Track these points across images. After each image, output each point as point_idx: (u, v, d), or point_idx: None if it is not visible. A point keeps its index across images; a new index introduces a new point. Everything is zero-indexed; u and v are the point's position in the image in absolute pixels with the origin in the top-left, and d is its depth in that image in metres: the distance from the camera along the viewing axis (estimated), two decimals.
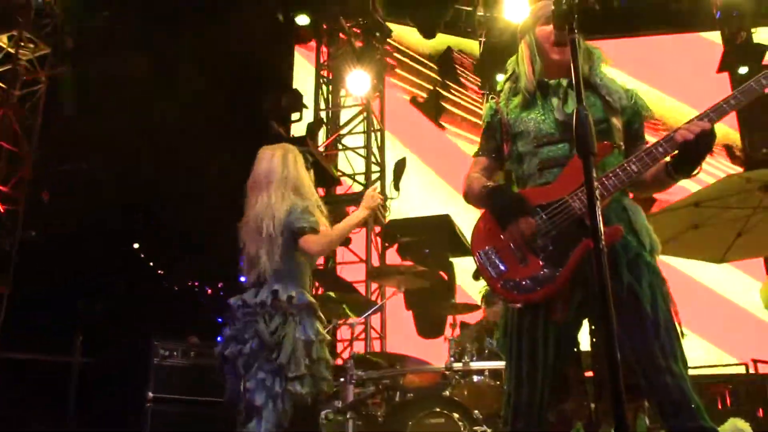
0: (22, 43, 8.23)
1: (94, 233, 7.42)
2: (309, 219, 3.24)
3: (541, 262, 2.28)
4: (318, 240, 3.23)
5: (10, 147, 8.05)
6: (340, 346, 7.16)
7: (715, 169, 8.52)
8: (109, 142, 8.74)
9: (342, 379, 4.78)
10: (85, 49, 8.66)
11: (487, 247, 2.35)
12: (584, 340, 2.46)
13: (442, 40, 9.08)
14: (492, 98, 2.63)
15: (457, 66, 9.29)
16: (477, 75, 8.82)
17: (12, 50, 8.23)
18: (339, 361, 5.64)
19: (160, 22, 8.26)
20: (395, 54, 9.09)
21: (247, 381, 3.07)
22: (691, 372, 2.22)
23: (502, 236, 2.33)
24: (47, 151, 8.20)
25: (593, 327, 2.40)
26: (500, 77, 2.67)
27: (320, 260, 7.55)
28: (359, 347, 7.00)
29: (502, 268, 2.32)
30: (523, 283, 2.28)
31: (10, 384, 7.20)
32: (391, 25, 8.15)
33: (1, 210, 7.82)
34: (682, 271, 7.32)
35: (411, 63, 9.38)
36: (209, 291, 9.28)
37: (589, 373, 2.59)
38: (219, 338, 3.21)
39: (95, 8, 8.41)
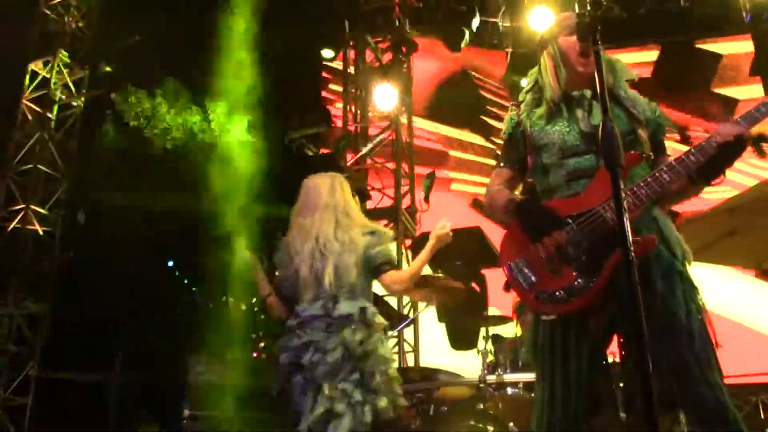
0: (59, 68, 8.43)
1: (130, 253, 7.55)
2: (388, 254, 3.35)
3: (574, 273, 2.27)
4: (401, 279, 3.42)
5: (47, 169, 8.23)
6: None
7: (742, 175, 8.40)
8: (138, 168, 8.90)
9: None
10: (120, 72, 8.85)
11: (517, 259, 2.35)
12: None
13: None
14: (512, 109, 2.63)
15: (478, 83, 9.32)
16: (506, 84, 8.82)
17: (48, 75, 8.43)
18: None
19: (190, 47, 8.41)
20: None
21: (328, 389, 3.12)
22: (729, 380, 2.20)
23: (532, 248, 2.33)
24: (84, 174, 8.36)
25: (622, 339, 2.39)
26: (524, 82, 2.68)
27: None
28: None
29: (534, 279, 2.32)
30: (557, 294, 2.27)
31: (52, 403, 7.33)
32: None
33: (40, 231, 7.99)
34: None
35: None
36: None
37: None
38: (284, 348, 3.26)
39: (127, 32, 8.58)
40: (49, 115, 8.39)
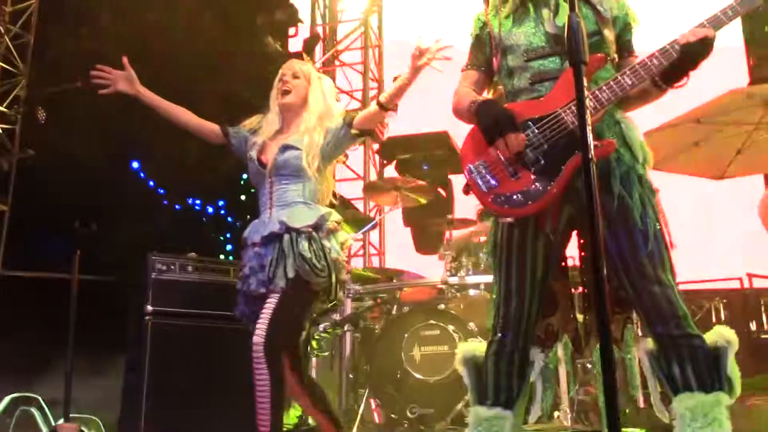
0: None
1: (92, 152, 7.40)
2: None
3: (532, 176, 2.27)
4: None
5: (4, 65, 7.94)
6: None
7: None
8: (105, 61, 8.58)
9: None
10: None
11: (477, 162, 2.34)
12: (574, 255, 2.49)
13: None
14: (482, 9, 2.56)
15: None
16: None
17: None
18: None
19: None
20: None
21: None
22: (686, 287, 2.25)
23: (492, 151, 2.32)
24: (42, 69, 8.09)
25: (582, 240, 2.42)
26: None
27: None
28: (358, 263, 7.09)
29: (493, 182, 2.31)
30: (514, 197, 2.27)
31: (11, 301, 7.33)
32: None
33: None
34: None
35: None
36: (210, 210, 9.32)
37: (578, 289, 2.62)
38: None
39: None
40: (4, 8, 8.02)
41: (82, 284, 4.41)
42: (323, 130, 3.18)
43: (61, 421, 4.15)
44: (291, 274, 2.94)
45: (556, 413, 4.06)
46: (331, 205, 3.27)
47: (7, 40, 7.95)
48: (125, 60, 3.28)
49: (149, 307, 4.02)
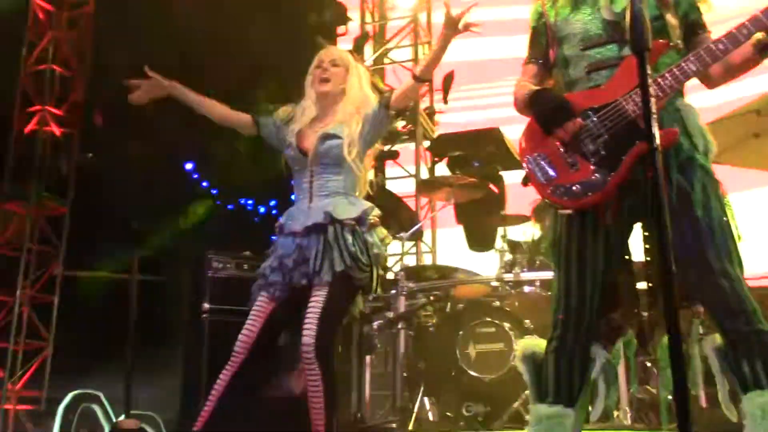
0: None
1: (147, 153, 7.54)
2: None
3: (592, 167, 2.22)
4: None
5: (62, 70, 8.13)
6: (391, 260, 7.23)
7: None
8: (157, 65, 8.73)
9: (393, 291, 4.86)
10: None
11: (536, 153, 2.30)
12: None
13: None
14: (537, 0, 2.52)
15: None
16: None
17: None
18: (390, 275, 5.69)
19: None
20: None
21: None
22: (757, 282, 2.17)
23: (551, 142, 2.27)
24: (99, 74, 8.26)
25: (646, 233, 2.36)
26: None
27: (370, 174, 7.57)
28: (410, 261, 7.06)
29: (552, 173, 2.27)
30: (574, 188, 2.22)
31: (72, 301, 7.51)
32: None
33: (58, 133, 7.97)
34: None
35: None
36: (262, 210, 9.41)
37: (643, 285, 2.55)
38: None
39: None
40: (61, 13, 8.22)
41: (143, 283, 4.49)
42: (361, 118, 3.13)
43: (121, 417, 4.23)
44: (339, 268, 2.89)
45: (615, 412, 3.98)
46: (368, 197, 3.24)
47: (65, 45, 8.15)
48: (147, 70, 3.23)
49: (206, 305, 4.07)
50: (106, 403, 4.81)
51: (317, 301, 2.89)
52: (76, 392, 4.72)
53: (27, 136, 7.85)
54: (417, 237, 6.83)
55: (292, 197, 3.23)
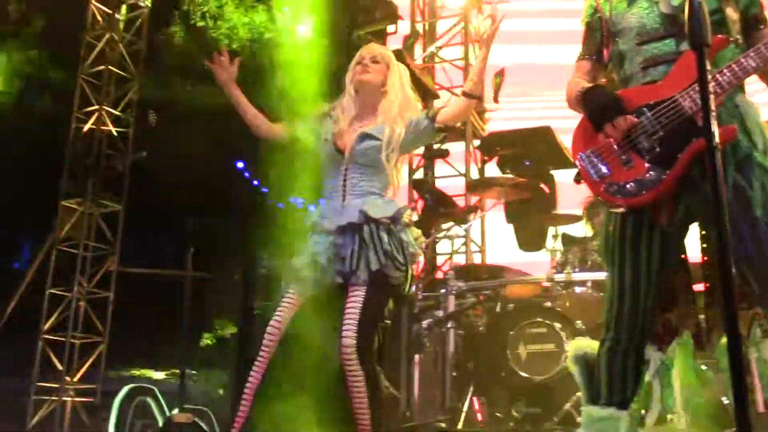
0: None
1: (199, 152, 7.68)
2: None
3: (646, 165, 2.17)
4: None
5: (118, 71, 8.32)
6: (440, 259, 7.20)
7: None
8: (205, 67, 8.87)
9: (443, 291, 4.84)
10: None
11: (588, 150, 2.26)
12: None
13: None
14: None
15: None
16: None
17: None
18: (439, 274, 5.67)
19: None
20: None
21: None
22: None
23: (604, 138, 2.23)
24: (153, 74, 8.43)
25: (703, 233, 2.29)
26: None
27: (419, 172, 7.56)
28: (459, 260, 7.03)
29: (605, 170, 2.23)
30: (628, 186, 2.18)
31: (127, 297, 7.68)
32: None
33: (114, 132, 8.16)
34: None
35: None
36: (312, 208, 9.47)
37: (700, 286, 2.49)
38: None
39: None
40: (117, 16, 8.41)
41: (194, 280, 4.57)
42: (404, 122, 3.05)
43: (175, 411, 4.31)
44: (375, 267, 2.86)
45: (669, 416, 3.90)
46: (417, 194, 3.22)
47: (121, 47, 8.33)
48: (232, 59, 3.28)
49: (257, 302, 4.11)
50: (160, 397, 4.90)
51: (355, 301, 2.86)
52: (131, 386, 4.82)
53: (84, 135, 8.06)
54: (466, 236, 6.80)
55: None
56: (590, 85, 2.36)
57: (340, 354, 2.82)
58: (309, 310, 3.04)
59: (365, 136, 3.05)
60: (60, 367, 7.39)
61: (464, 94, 3.00)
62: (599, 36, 2.43)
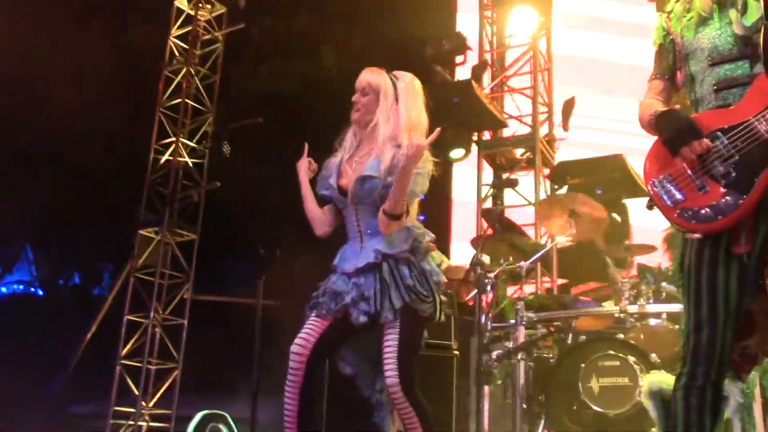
0: (200, 5, 8.70)
1: (271, 182, 7.81)
2: None
3: (722, 189, 2.10)
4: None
5: (194, 104, 8.60)
6: (510, 290, 7.12)
7: None
8: (278, 97, 9.11)
9: (512, 321, 4.77)
10: (256, 8, 9.05)
11: (661, 176, 2.21)
12: None
13: None
14: (661, 17, 2.44)
15: None
16: None
17: (192, 12, 8.72)
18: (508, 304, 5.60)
19: None
20: None
21: None
22: None
23: (678, 164, 2.18)
24: (226, 107, 8.68)
25: None
26: None
27: (488, 201, 7.52)
28: (529, 290, 6.93)
29: (679, 196, 2.16)
30: (702, 212, 2.11)
31: (201, 324, 7.84)
32: None
33: (190, 163, 8.41)
34: None
35: None
36: None
37: None
38: None
39: None
40: (194, 51, 8.71)
41: (265, 307, 4.62)
42: (401, 141, 2.92)
43: None
44: (398, 305, 2.82)
45: None
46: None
47: (197, 81, 8.62)
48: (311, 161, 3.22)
49: None
50: (232, 423, 4.96)
51: (390, 341, 2.84)
52: (204, 412, 4.90)
53: (161, 165, 8.34)
54: (537, 265, 6.71)
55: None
56: (664, 108, 2.32)
57: (388, 393, 2.83)
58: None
59: (364, 179, 2.95)
60: (136, 392, 7.57)
61: (384, 212, 2.87)
62: (671, 58, 2.39)
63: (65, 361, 8.74)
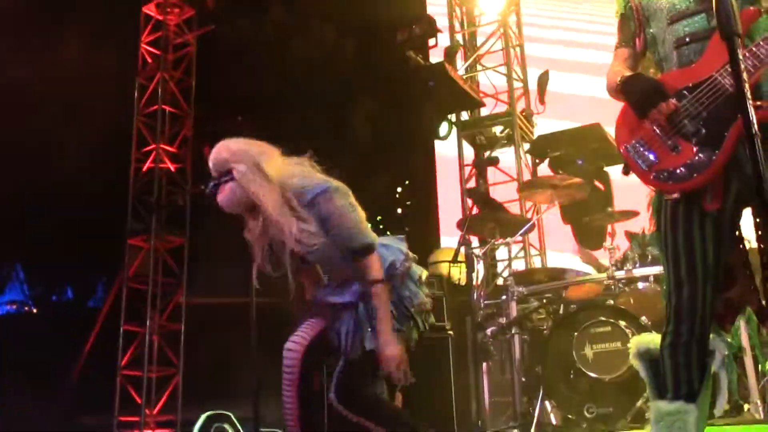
0: (168, 9, 8.67)
1: None
2: None
3: (694, 148, 2.14)
4: None
5: (171, 109, 8.58)
6: (500, 266, 7.19)
7: None
8: (256, 95, 9.08)
9: (504, 297, 4.83)
10: (226, 8, 9.02)
11: (633, 140, 2.24)
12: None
13: None
14: None
15: None
16: None
17: (161, 17, 8.69)
18: (500, 280, 5.66)
19: None
20: None
21: None
22: None
23: (647, 127, 2.22)
24: (203, 109, 8.67)
25: (758, 219, 2.25)
26: None
27: (472, 181, 7.57)
28: (519, 265, 7.00)
29: (653, 158, 2.20)
30: (678, 171, 2.15)
31: (198, 327, 7.86)
32: None
33: (172, 169, 8.41)
34: None
35: None
36: None
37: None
38: None
39: None
40: (166, 56, 8.69)
41: (261, 307, 4.65)
42: (295, 205, 2.81)
43: None
44: (369, 347, 2.78)
45: (746, 406, 3.81)
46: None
47: (172, 85, 8.60)
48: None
49: None
50: (236, 422, 5.00)
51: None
52: (209, 413, 4.94)
53: (144, 173, 8.33)
54: (524, 240, 6.77)
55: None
56: (630, 73, 2.35)
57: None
58: None
59: (302, 260, 2.90)
60: (139, 401, 7.60)
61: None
62: (633, 24, 2.43)
63: (67, 375, 8.76)
